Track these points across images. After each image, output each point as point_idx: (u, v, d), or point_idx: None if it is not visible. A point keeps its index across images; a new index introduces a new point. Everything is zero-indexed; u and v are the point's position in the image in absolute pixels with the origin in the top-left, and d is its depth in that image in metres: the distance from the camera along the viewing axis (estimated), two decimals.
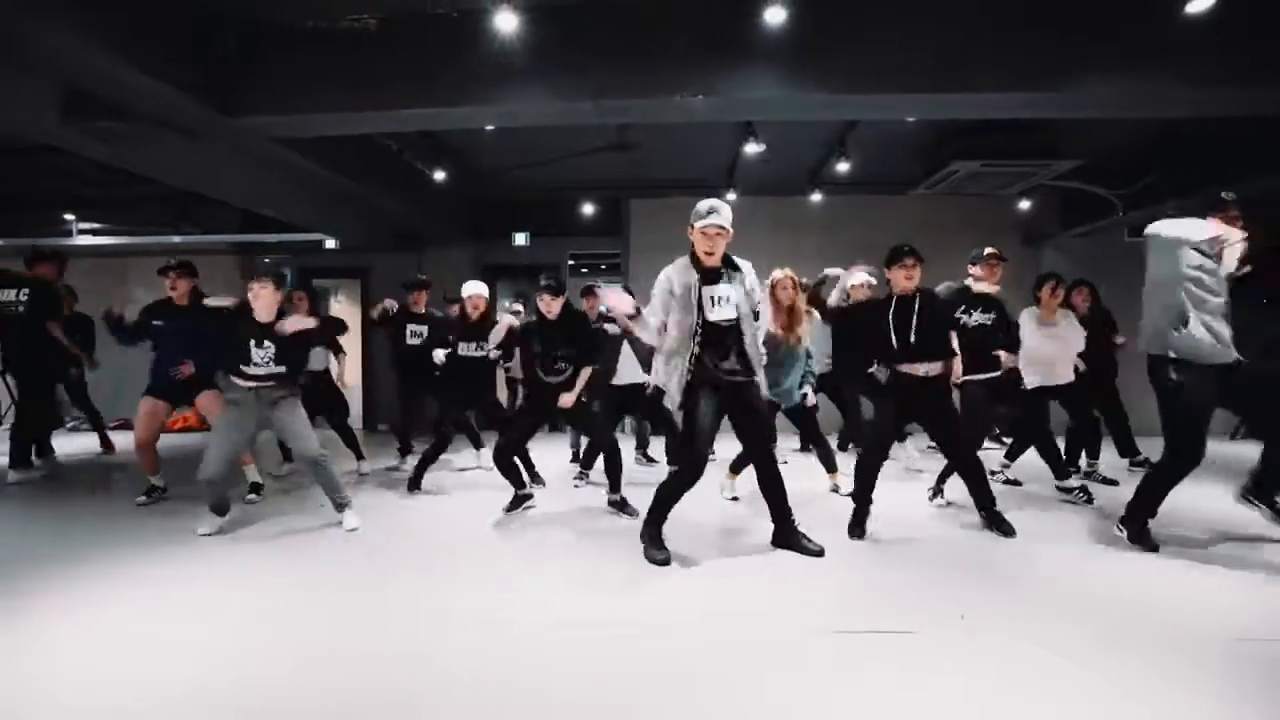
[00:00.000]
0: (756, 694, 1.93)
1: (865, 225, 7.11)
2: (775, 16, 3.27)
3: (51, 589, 2.71)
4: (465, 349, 4.28)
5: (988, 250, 3.91)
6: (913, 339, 3.21)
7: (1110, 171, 6.13)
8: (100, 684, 2.00)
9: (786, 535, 3.11)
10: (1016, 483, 4.45)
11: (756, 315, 3.03)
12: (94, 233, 7.40)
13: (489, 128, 4.74)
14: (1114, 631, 2.30)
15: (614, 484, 3.84)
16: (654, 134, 5.69)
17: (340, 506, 3.60)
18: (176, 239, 7.53)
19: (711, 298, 2.91)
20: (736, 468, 4.09)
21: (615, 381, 4.58)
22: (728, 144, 5.91)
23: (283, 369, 3.50)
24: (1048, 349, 4.14)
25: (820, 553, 3.01)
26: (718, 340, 2.92)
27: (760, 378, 3.01)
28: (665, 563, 2.91)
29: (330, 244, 7.92)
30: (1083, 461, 4.64)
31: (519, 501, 3.86)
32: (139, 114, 3.83)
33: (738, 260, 3.05)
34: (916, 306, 3.23)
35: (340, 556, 3.17)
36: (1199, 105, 3.90)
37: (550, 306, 3.73)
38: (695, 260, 2.97)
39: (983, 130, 5.29)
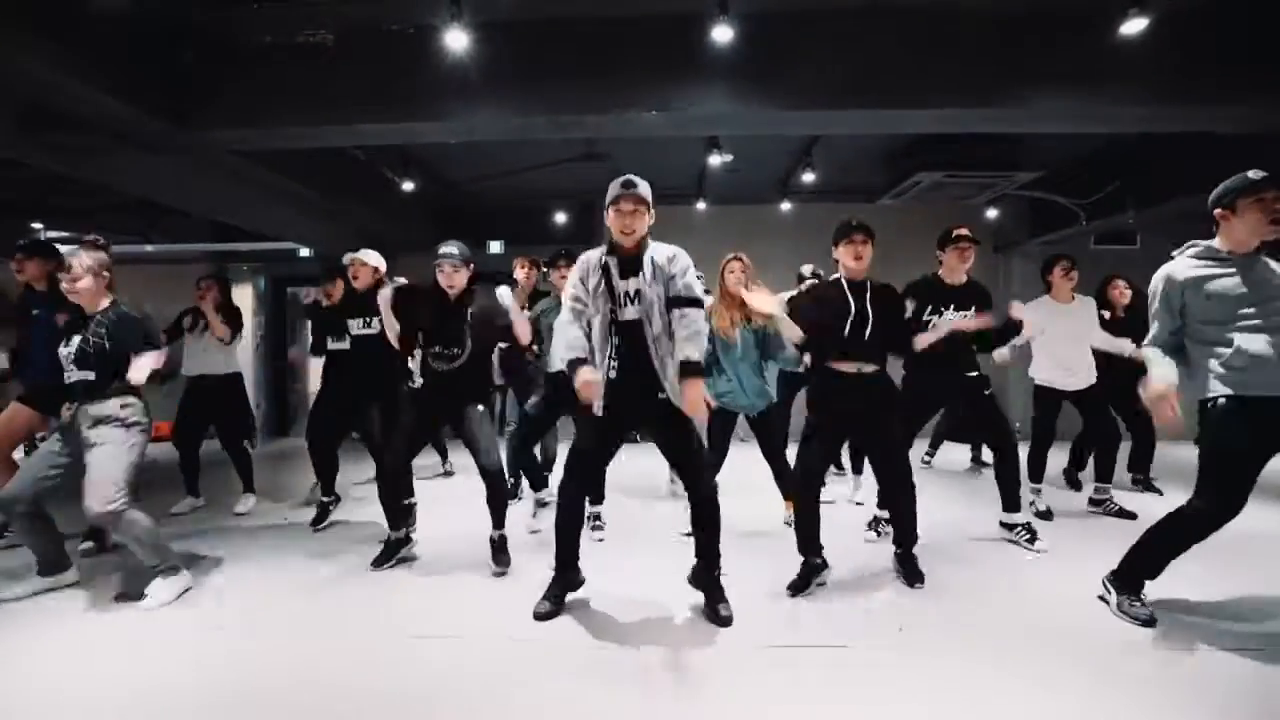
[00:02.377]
0: (691, 707, 1.98)
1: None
2: (723, 35, 3.31)
3: None
4: (355, 326, 3.78)
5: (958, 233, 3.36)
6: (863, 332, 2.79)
7: (1074, 181, 6.22)
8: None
9: (703, 578, 2.67)
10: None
11: (690, 303, 2.49)
12: (63, 241, 7.33)
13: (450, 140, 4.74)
14: (1041, 639, 2.36)
15: (497, 518, 3.22)
16: (622, 145, 5.72)
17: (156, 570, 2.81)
18: (148, 248, 7.51)
19: (625, 293, 2.51)
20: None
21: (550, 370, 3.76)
22: (696, 154, 5.93)
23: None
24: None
25: (728, 621, 2.54)
26: (635, 340, 2.51)
27: (670, 383, 2.49)
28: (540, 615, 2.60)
29: (305, 252, 7.90)
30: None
31: (392, 550, 3.21)
32: (96, 128, 3.81)
33: (661, 248, 2.57)
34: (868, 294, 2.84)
35: (280, 575, 3.18)
36: (1136, 122, 3.99)
37: (451, 279, 3.11)
38: (612, 247, 2.56)
39: (945, 142, 5.35)
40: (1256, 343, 2.24)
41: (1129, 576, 2.56)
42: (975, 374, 3.36)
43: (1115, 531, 3.51)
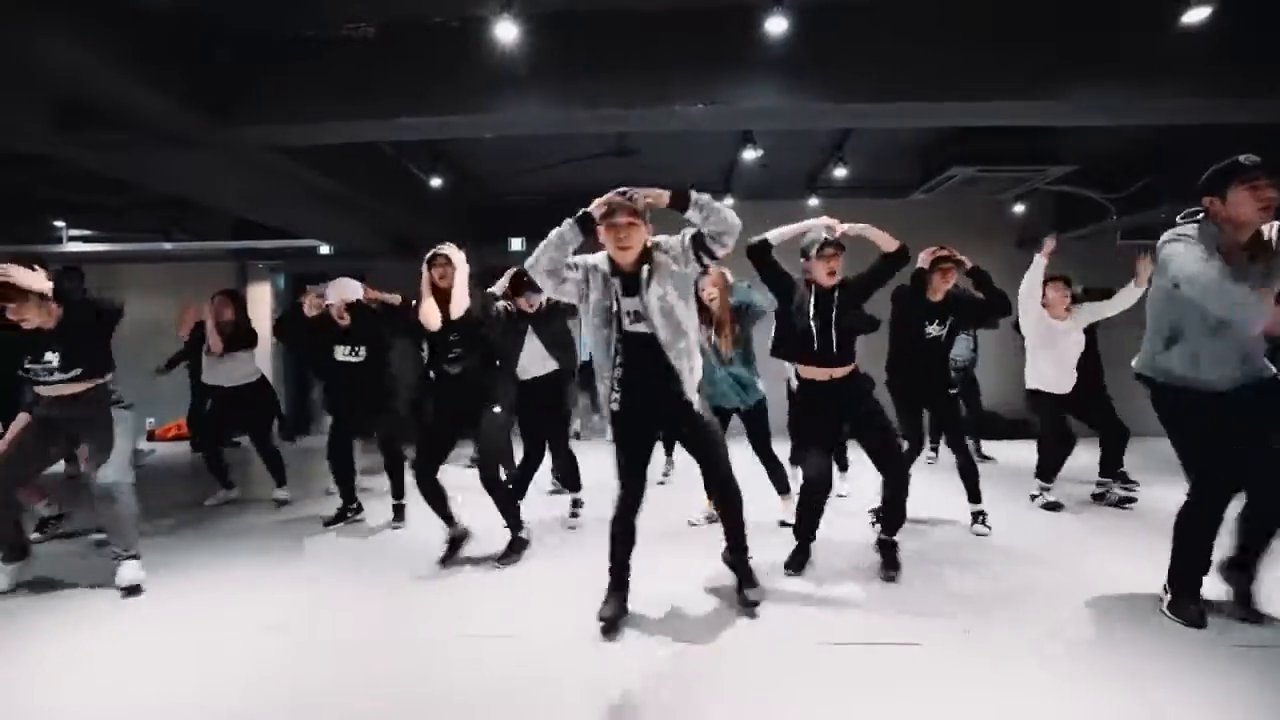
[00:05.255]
0: (758, 706, 1.96)
1: None
2: (777, 26, 3.26)
3: None
4: (342, 354, 3.86)
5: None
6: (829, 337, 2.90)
7: (1104, 176, 6.17)
8: None
9: (736, 564, 2.71)
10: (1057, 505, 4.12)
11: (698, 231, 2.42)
12: (84, 239, 7.32)
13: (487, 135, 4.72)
14: (1116, 641, 2.33)
15: (509, 522, 3.25)
16: (652, 139, 5.67)
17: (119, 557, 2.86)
18: (168, 246, 7.46)
19: (629, 311, 2.43)
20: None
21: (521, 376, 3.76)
22: (726, 149, 5.91)
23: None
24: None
25: (755, 604, 2.59)
26: (641, 355, 2.45)
27: (691, 391, 2.48)
28: (611, 620, 2.47)
29: (325, 249, 7.86)
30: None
31: (454, 545, 3.25)
32: (133, 124, 3.78)
33: (660, 243, 2.48)
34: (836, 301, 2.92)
35: (283, 577, 3.15)
36: (1191, 114, 3.93)
37: (444, 272, 3.15)
38: (612, 264, 2.47)
39: (979, 136, 5.30)
40: (1219, 348, 2.29)
41: (1180, 578, 2.52)
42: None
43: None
